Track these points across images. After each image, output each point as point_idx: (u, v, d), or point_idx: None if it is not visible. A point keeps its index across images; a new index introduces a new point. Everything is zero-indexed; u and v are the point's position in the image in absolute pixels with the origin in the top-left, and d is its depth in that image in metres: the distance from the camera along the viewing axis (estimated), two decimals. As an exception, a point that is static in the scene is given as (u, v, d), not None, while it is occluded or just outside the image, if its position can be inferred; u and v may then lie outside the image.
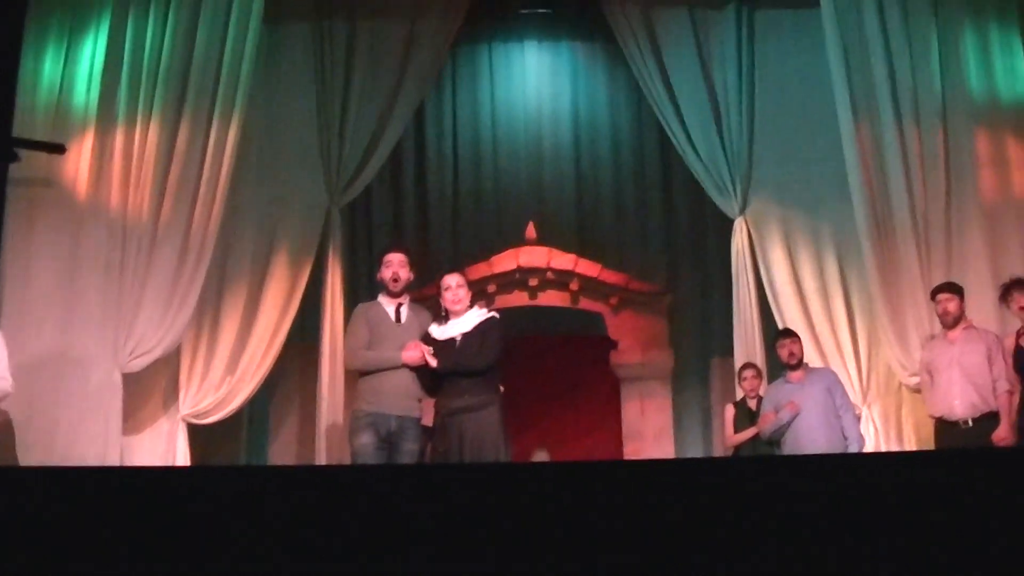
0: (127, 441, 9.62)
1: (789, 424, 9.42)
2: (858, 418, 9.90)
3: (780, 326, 10.58)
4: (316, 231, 11.05)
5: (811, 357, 10.25)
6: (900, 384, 10.20)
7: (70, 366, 9.40)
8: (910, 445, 10.13)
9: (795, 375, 9.66)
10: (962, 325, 9.18)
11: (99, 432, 9.33)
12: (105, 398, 9.40)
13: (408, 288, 8.45)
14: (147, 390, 9.96)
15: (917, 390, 9.70)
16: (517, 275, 12.20)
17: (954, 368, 8.98)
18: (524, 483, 4.28)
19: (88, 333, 9.50)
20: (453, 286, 8.27)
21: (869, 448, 9.90)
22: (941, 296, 9.20)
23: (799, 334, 10.02)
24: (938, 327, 9.44)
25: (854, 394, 10.25)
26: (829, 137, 10.58)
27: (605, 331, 12.33)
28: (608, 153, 13.07)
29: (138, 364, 9.61)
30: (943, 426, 9.01)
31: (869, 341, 10.59)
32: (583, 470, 4.58)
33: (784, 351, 9.71)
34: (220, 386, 10.30)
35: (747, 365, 10.39)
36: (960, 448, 8.30)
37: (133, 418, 9.80)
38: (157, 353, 9.68)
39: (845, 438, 9.31)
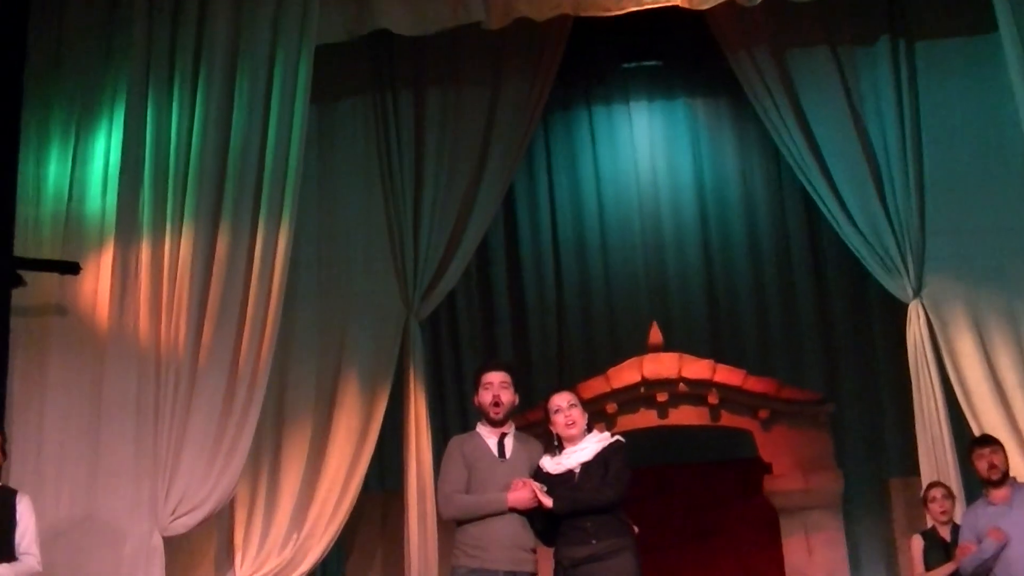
0: (173, 621, 9.59)
1: (996, 556, 9.07)
2: (1089, 542, 10.37)
3: (975, 433, 10.32)
4: (392, 350, 11.00)
5: (1019, 470, 9.95)
6: None
7: (99, 531, 9.30)
8: None
9: (999, 493, 9.34)
10: None
11: (138, 611, 9.27)
12: (143, 568, 9.26)
13: (512, 414, 8.29)
14: (195, 556, 9.82)
15: None
16: (642, 390, 11.98)
17: None
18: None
19: (119, 490, 9.38)
20: (565, 407, 8.09)
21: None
22: None
23: (1001, 441, 9.68)
24: None
25: (1081, 512, 9.99)
26: (1021, 194, 10.65)
27: (755, 452, 12.12)
28: (742, 232, 13.20)
29: (182, 525, 9.46)
30: None
31: (1095, 443, 10.52)
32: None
33: (983, 463, 9.40)
34: (284, 546, 10.19)
35: (934, 484, 10.11)
36: None
37: (179, 591, 9.85)
38: (206, 510, 9.52)
39: (1073, 569, 9.31)
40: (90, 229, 9.95)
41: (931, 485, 10.08)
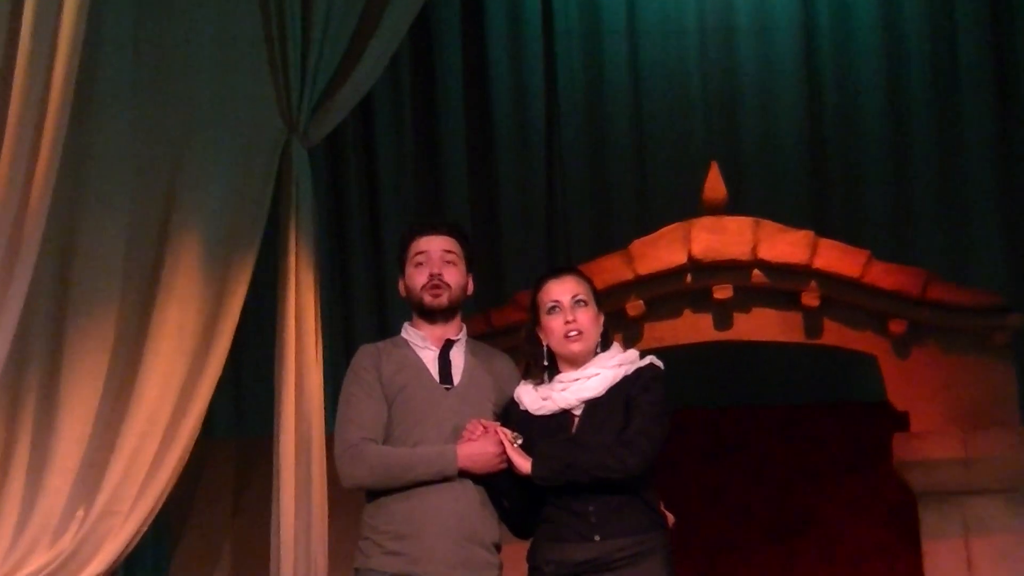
0: None
1: None
2: None
3: None
4: (262, 197, 10.73)
5: None
6: None
7: None
8: None
9: None
10: None
11: None
12: None
13: (462, 307, 8.11)
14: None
15: None
16: (689, 278, 11.78)
17: None
18: None
19: None
20: (567, 303, 7.78)
21: None
22: None
23: None
24: None
25: None
26: None
27: (881, 393, 11.77)
28: (873, 16, 13.56)
29: None
30: None
31: None
32: None
33: None
34: (61, 533, 9.91)
35: None
36: None
37: None
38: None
39: None
40: None
41: None
